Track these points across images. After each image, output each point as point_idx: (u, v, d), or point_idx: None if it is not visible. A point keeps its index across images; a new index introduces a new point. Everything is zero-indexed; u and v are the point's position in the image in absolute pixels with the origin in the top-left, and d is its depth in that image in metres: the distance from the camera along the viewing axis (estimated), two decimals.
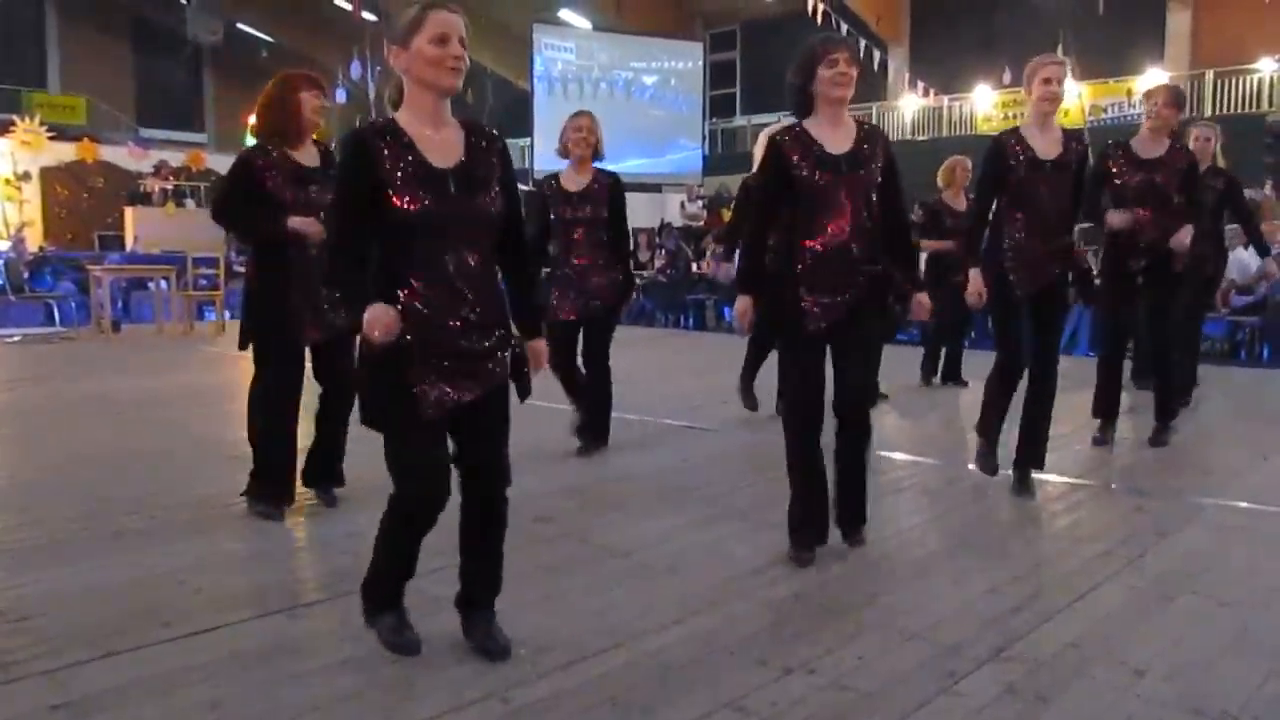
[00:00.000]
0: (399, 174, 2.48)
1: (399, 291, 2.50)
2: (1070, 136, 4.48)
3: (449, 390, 2.54)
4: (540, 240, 5.26)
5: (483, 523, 2.75)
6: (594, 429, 5.45)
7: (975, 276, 4.44)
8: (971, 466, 4.81)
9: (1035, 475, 4.65)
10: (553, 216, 5.23)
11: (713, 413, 6.56)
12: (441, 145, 2.55)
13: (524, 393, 2.75)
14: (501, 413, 2.69)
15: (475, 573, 2.80)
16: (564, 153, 5.22)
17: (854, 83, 3.51)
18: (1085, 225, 5.56)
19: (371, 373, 2.57)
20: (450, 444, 2.64)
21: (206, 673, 2.67)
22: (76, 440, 5.83)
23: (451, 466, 2.63)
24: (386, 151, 2.49)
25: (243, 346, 4.18)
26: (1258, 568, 3.56)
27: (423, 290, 2.51)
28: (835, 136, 3.53)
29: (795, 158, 3.49)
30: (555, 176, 5.28)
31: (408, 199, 2.47)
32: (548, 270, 5.48)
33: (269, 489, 4.14)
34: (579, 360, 5.37)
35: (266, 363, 4.17)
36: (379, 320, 2.40)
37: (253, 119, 4.14)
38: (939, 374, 8.02)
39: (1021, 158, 4.34)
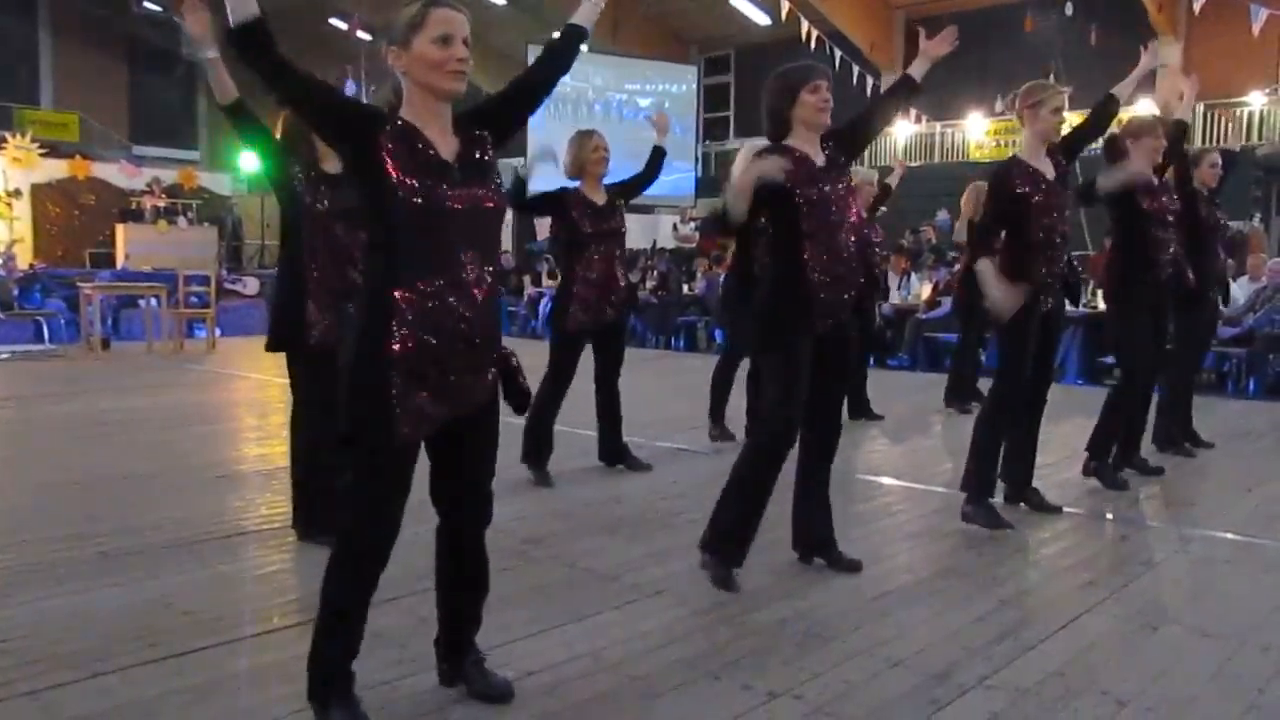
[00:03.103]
0: (405, 163, 2.32)
1: (393, 291, 2.32)
2: (1054, 152, 4.51)
3: (434, 406, 2.37)
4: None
5: (472, 561, 2.63)
6: (613, 449, 5.60)
7: (989, 267, 4.32)
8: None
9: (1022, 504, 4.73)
10: (581, 229, 5.23)
11: (703, 436, 6.57)
12: (444, 141, 2.42)
13: (521, 406, 2.62)
14: (492, 441, 2.57)
15: (462, 613, 2.66)
16: (578, 172, 5.28)
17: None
18: None
19: (352, 380, 2.39)
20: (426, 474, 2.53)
21: (194, 696, 2.67)
22: (64, 461, 5.81)
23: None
24: (395, 138, 2.34)
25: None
26: (1241, 600, 3.59)
27: (420, 289, 2.32)
28: (814, 154, 3.60)
29: (793, 175, 3.49)
30: (578, 190, 5.29)
31: (413, 189, 2.30)
32: (558, 282, 5.54)
33: None
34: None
35: None
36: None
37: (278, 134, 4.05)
38: (953, 397, 7.98)
39: (1039, 184, 4.36)
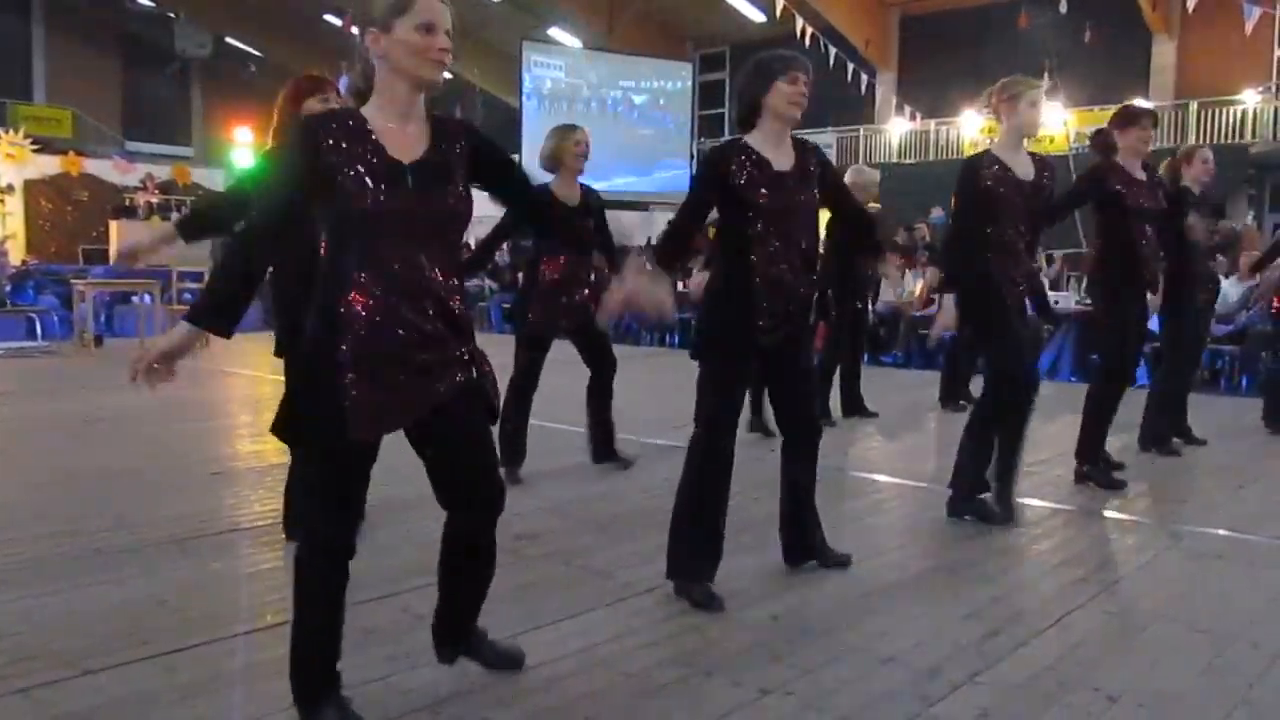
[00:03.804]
0: (353, 165, 2.25)
1: (344, 295, 2.27)
2: (1042, 163, 4.46)
3: (391, 408, 2.31)
4: (488, 253, 5.38)
5: (469, 559, 2.58)
6: (598, 450, 5.60)
7: (951, 304, 4.45)
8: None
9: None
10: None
11: None
12: (405, 139, 2.34)
13: (492, 415, 2.52)
14: (479, 431, 2.47)
15: (463, 609, 2.65)
16: (555, 166, 5.12)
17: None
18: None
19: (302, 381, 2.37)
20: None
21: (185, 692, 2.67)
22: (57, 457, 5.81)
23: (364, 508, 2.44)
24: (341, 139, 2.27)
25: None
26: (1232, 596, 3.60)
27: (372, 292, 2.26)
28: (778, 154, 3.45)
29: (737, 172, 3.37)
30: (549, 188, 5.10)
31: (359, 192, 2.24)
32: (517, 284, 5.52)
33: None
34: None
35: None
36: (174, 348, 2.27)
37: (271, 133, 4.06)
38: (948, 397, 7.97)
39: (1009, 180, 4.28)
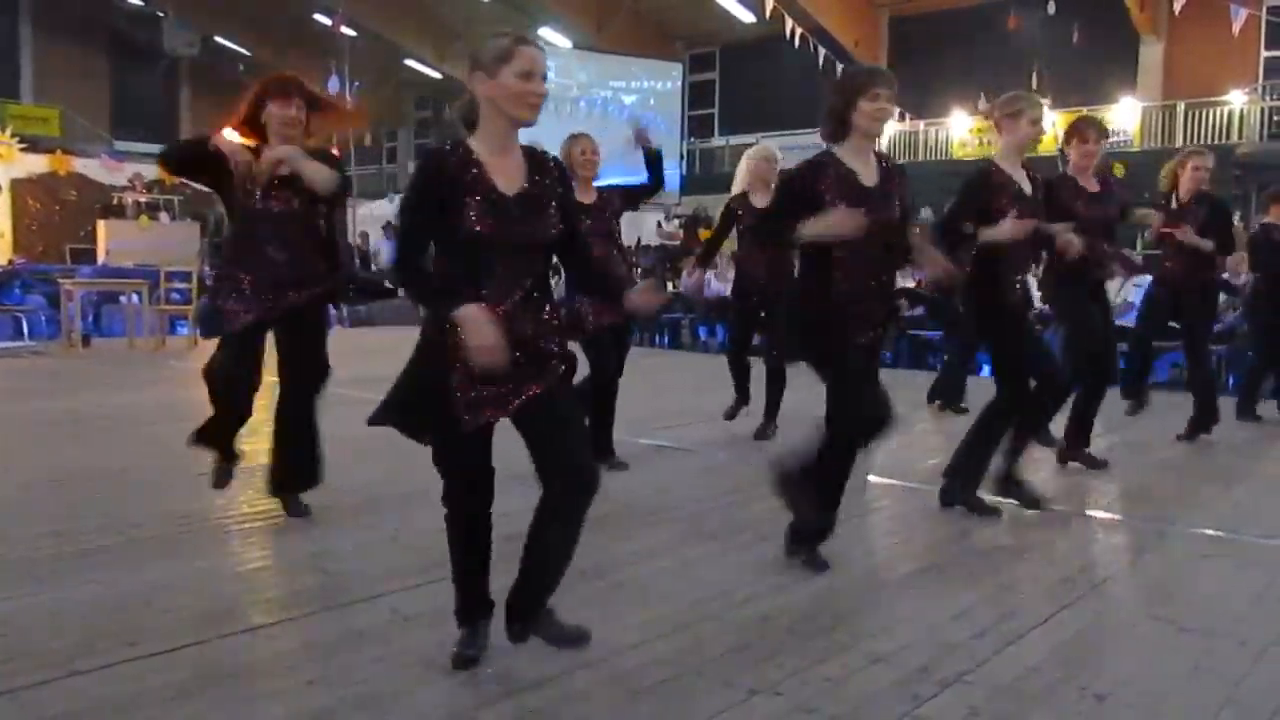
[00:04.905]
0: (471, 196, 2.57)
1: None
2: (1034, 178, 4.56)
3: (487, 408, 2.72)
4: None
5: (555, 528, 2.93)
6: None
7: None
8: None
9: (1003, 500, 4.75)
10: None
11: (689, 433, 6.57)
12: (507, 171, 2.65)
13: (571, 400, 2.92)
14: (563, 414, 2.82)
15: (544, 580, 2.91)
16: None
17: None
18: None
19: (419, 376, 2.71)
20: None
21: (173, 693, 2.65)
22: (44, 457, 5.77)
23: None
24: (459, 172, 2.59)
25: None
26: (1220, 594, 3.61)
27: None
28: (865, 169, 3.60)
29: (826, 188, 3.52)
30: None
31: (477, 220, 2.56)
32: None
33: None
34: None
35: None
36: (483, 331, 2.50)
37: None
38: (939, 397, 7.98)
39: (1011, 195, 4.38)
